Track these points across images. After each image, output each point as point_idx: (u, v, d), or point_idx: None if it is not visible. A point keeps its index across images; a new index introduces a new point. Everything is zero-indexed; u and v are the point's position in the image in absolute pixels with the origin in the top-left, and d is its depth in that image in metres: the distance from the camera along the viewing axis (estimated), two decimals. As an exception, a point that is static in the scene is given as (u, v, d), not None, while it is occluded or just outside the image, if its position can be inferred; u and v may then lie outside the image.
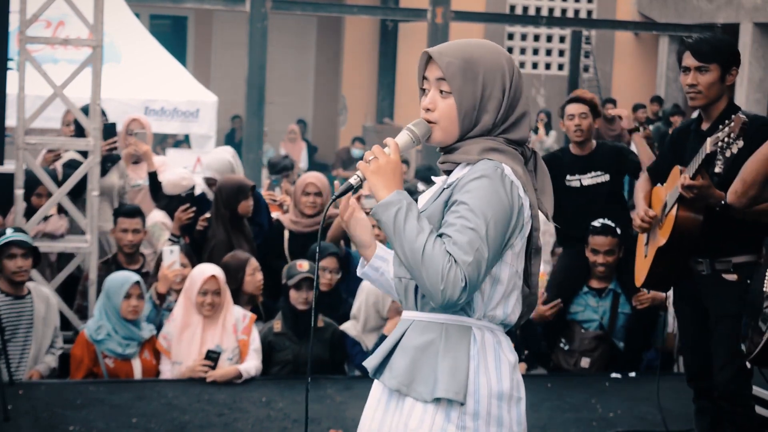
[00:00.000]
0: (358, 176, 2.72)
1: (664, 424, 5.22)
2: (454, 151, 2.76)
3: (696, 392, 4.72)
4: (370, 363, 2.81)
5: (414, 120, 2.80)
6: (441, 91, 2.74)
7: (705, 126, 4.55)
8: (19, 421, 5.17)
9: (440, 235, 2.60)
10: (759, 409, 4.85)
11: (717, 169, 4.42)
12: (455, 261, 2.54)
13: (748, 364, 4.26)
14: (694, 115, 4.85)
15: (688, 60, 4.53)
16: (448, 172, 2.78)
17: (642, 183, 4.93)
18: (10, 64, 6.57)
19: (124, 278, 5.90)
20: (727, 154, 4.25)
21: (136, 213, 6.52)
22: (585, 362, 6.34)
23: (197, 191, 7.28)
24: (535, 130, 16.74)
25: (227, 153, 7.42)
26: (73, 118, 7.05)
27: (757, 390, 4.88)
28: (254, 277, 6.23)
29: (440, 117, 2.74)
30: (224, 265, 6.19)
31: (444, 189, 2.75)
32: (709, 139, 4.29)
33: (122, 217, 6.46)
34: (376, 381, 2.84)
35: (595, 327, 6.36)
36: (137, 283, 5.88)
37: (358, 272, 2.97)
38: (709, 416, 4.65)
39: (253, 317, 6.06)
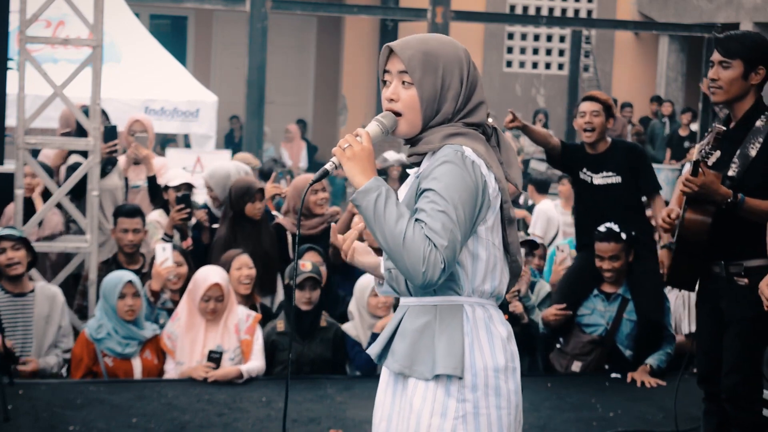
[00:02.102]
0: (333, 162, 2.84)
1: (675, 424, 5.21)
2: (418, 143, 2.89)
3: (706, 394, 4.70)
4: (373, 350, 2.95)
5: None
6: (403, 83, 2.87)
7: (732, 125, 4.50)
8: (19, 421, 5.16)
9: (415, 221, 2.72)
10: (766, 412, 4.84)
11: (731, 173, 4.39)
12: (434, 245, 2.67)
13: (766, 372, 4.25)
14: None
15: (714, 54, 4.50)
16: (418, 164, 2.92)
17: (679, 181, 4.92)
18: (10, 64, 6.58)
19: (117, 278, 5.89)
20: (709, 162, 4.27)
21: (136, 213, 6.51)
22: (576, 366, 6.31)
23: (197, 196, 7.27)
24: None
25: (231, 166, 7.25)
26: (73, 121, 7.05)
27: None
28: (240, 272, 6.20)
29: (403, 107, 2.87)
30: (221, 262, 6.22)
31: (415, 179, 2.89)
32: (696, 146, 4.30)
33: (122, 217, 6.46)
34: (384, 368, 2.97)
35: (601, 332, 6.31)
36: (130, 282, 5.85)
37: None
38: (717, 418, 4.64)
39: (257, 317, 6.05)
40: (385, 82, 2.91)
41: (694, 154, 4.30)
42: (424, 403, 2.80)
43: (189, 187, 7.14)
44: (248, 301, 6.27)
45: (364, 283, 6.12)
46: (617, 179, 6.28)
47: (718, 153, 4.31)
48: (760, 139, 4.37)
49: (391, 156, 10.71)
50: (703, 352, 4.71)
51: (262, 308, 6.36)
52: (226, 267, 6.16)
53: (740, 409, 4.44)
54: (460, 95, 2.86)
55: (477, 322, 2.84)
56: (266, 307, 6.52)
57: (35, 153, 7.45)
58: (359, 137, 2.83)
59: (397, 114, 2.87)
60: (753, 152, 4.36)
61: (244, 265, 6.20)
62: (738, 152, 4.40)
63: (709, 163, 4.35)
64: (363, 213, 2.74)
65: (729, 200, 4.30)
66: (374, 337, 6.04)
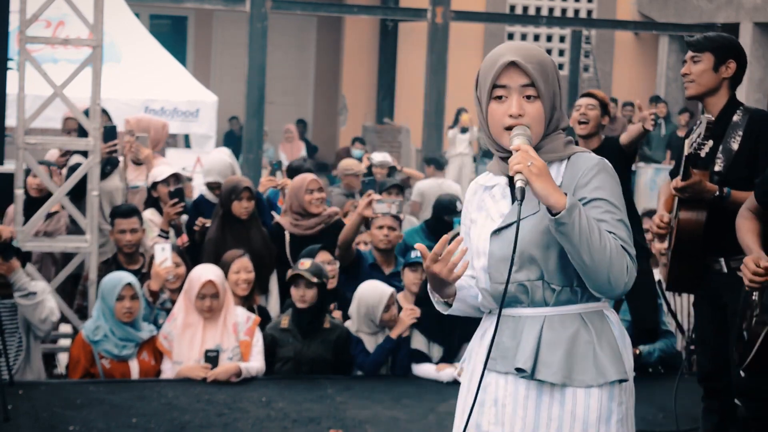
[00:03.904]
0: (523, 180, 2.72)
1: (676, 423, 5.21)
2: (536, 152, 2.81)
3: (706, 391, 4.70)
4: (526, 365, 2.82)
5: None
6: (528, 97, 2.83)
7: None
8: (19, 421, 5.16)
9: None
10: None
11: (717, 168, 4.45)
12: (629, 255, 2.75)
13: (742, 373, 4.25)
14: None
15: (687, 54, 4.60)
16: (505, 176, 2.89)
17: (663, 187, 4.93)
18: (10, 64, 6.57)
19: (116, 279, 5.88)
20: (702, 154, 4.29)
21: (133, 212, 6.50)
22: None
23: (195, 193, 7.27)
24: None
25: (225, 154, 7.39)
26: (75, 125, 7.06)
27: None
28: (239, 275, 6.19)
29: (531, 121, 2.84)
30: (221, 262, 6.22)
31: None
32: (687, 141, 4.32)
33: (119, 218, 6.45)
34: (509, 380, 2.86)
35: None
36: (129, 284, 5.85)
37: (445, 312, 3.02)
38: (717, 416, 4.64)
39: (257, 320, 6.05)
40: (491, 95, 2.85)
41: (686, 148, 4.32)
42: (589, 410, 2.82)
43: (177, 178, 7.13)
44: (246, 302, 6.27)
45: (373, 300, 6.04)
46: None
47: (710, 142, 4.35)
48: (740, 132, 4.44)
49: (377, 157, 10.71)
50: (704, 350, 4.71)
51: (259, 310, 6.35)
52: (225, 268, 6.16)
53: (756, 400, 4.43)
54: (562, 100, 2.91)
55: (618, 325, 2.90)
56: (263, 308, 6.50)
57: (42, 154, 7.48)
58: (528, 152, 2.75)
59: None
60: (735, 146, 4.44)
61: (242, 268, 6.19)
62: (721, 147, 4.47)
63: (702, 154, 4.39)
64: (566, 231, 2.68)
65: (716, 194, 4.35)
66: (389, 340, 6.04)
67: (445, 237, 2.84)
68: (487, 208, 2.93)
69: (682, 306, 6.68)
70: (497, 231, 2.87)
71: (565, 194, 2.70)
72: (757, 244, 3.97)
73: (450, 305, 2.98)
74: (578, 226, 2.67)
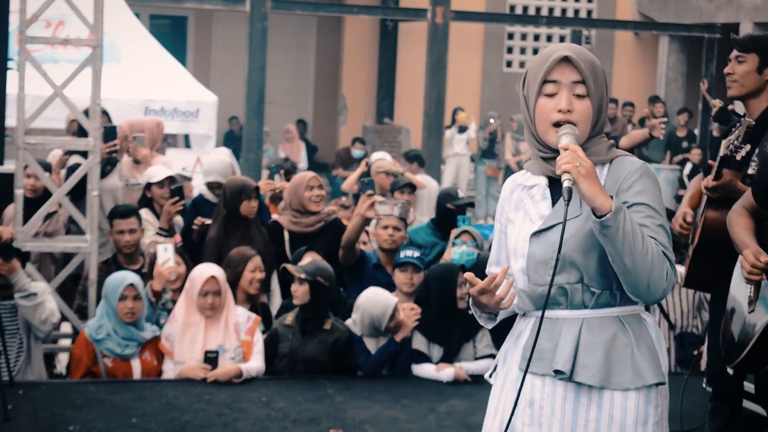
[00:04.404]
0: (570, 179, 2.71)
1: (680, 424, 5.20)
2: None
3: (715, 393, 4.69)
4: (565, 367, 2.83)
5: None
6: (578, 95, 2.84)
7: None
8: (19, 421, 5.16)
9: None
10: (749, 405, 4.85)
11: (750, 171, 4.40)
12: (669, 261, 2.76)
13: (730, 370, 4.24)
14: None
15: (732, 52, 4.53)
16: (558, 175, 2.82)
17: (694, 182, 4.91)
18: (10, 64, 6.57)
19: (119, 279, 5.88)
20: (738, 157, 4.25)
21: (131, 213, 6.50)
22: None
23: (195, 193, 7.27)
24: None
25: (225, 154, 7.40)
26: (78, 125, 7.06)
27: (748, 386, 4.86)
28: (254, 275, 6.22)
29: (580, 118, 2.84)
30: (228, 259, 6.22)
31: None
32: (723, 142, 4.28)
33: (117, 219, 6.45)
34: (546, 382, 2.86)
35: None
36: (132, 284, 5.85)
37: (489, 326, 3.03)
38: (724, 419, 4.63)
39: (257, 319, 6.05)
40: (541, 91, 2.85)
41: (722, 148, 4.28)
42: (626, 413, 2.83)
43: (172, 180, 7.14)
44: (251, 300, 6.28)
45: (377, 311, 6.01)
46: None
47: (747, 147, 4.29)
48: None
49: (377, 156, 10.58)
50: (718, 351, 4.68)
51: (262, 308, 6.37)
52: (240, 267, 6.17)
53: None
54: (607, 105, 2.92)
55: (655, 328, 2.90)
56: (266, 306, 6.52)
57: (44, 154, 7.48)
58: (576, 152, 2.74)
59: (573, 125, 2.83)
60: (743, 152, 4.38)
61: (257, 267, 6.23)
62: (757, 150, 4.41)
63: (738, 157, 4.33)
64: (611, 234, 2.68)
65: None
66: (392, 342, 6.02)
67: (493, 276, 2.83)
68: (526, 209, 2.92)
69: (674, 304, 6.68)
70: (537, 233, 2.86)
71: (612, 197, 2.70)
72: (753, 241, 3.97)
73: (494, 319, 3.00)
74: (622, 230, 2.68)
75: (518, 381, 2.86)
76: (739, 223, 4.09)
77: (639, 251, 2.69)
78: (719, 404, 4.66)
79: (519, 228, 2.92)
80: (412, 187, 8.07)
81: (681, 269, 6.65)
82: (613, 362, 2.82)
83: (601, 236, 2.70)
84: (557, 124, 2.82)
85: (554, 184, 2.88)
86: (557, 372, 2.84)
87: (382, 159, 10.00)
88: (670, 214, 6.88)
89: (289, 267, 6.01)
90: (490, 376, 3.05)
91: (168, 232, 6.85)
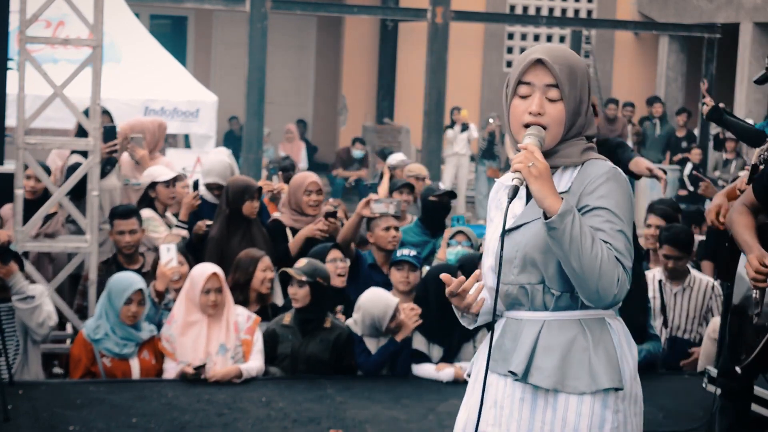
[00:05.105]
0: (520, 179, 2.74)
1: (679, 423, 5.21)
2: (552, 155, 2.85)
3: (723, 391, 4.68)
4: (518, 368, 2.84)
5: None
6: (549, 98, 2.83)
7: None
8: (19, 421, 5.16)
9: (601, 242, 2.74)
10: (758, 408, 4.84)
11: None
12: (623, 267, 2.73)
13: (738, 369, 4.23)
14: None
15: None
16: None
17: (736, 185, 4.91)
18: (10, 64, 6.57)
19: (128, 283, 5.87)
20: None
21: (131, 213, 6.50)
22: None
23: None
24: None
25: (224, 155, 7.40)
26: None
27: (758, 390, 4.86)
28: (265, 274, 6.23)
29: (550, 121, 2.83)
30: (237, 261, 6.23)
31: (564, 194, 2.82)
32: (757, 150, 4.27)
33: (117, 219, 6.45)
34: (507, 383, 2.88)
35: None
36: (140, 290, 5.86)
37: (470, 326, 3.03)
38: (730, 418, 4.63)
39: (257, 319, 6.05)
40: (515, 92, 2.86)
41: (754, 157, 4.27)
42: (580, 417, 2.81)
43: (176, 179, 7.19)
44: (262, 300, 6.28)
45: (378, 311, 6.01)
46: None
47: None
48: None
49: (397, 158, 10.47)
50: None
51: (272, 308, 6.36)
52: (251, 267, 6.18)
53: None
54: (588, 108, 2.89)
55: (620, 334, 2.87)
56: (276, 306, 6.50)
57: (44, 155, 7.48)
58: (533, 153, 2.74)
59: (542, 128, 2.83)
60: None
61: (268, 267, 6.25)
62: (760, 162, 4.41)
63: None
64: (557, 236, 2.69)
65: None
66: (393, 342, 6.02)
67: (462, 279, 2.86)
68: (503, 208, 2.92)
69: (681, 306, 6.68)
70: (507, 231, 2.86)
71: (562, 199, 2.70)
72: (756, 241, 3.97)
73: (476, 320, 3.00)
74: (569, 233, 2.67)
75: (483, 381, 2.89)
76: (740, 222, 4.08)
77: (587, 255, 2.67)
78: (727, 403, 4.65)
79: (495, 227, 2.95)
80: (410, 188, 8.09)
81: (658, 271, 6.67)
82: (570, 366, 2.80)
83: (549, 238, 2.71)
84: (528, 126, 2.84)
85: None
86: (511, 373, 2.85)
87: (402, 161, 9.90)
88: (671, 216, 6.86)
89: (290, 270, 6.00)
90: (468, 375, 3.06)
91: (187, 224, 6.86)
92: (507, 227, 2.83)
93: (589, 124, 2.90)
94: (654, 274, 6.70)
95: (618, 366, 2.81)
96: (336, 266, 6.35)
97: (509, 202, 2.75)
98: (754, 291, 3.98)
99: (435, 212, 7.25)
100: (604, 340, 2.82)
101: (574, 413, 2.80)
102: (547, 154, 2.84)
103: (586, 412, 2.80)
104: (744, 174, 4.89)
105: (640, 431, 2.92)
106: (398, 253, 6.35)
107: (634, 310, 6.28)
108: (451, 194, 7.52)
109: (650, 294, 6.55)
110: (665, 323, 6.60)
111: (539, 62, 2.82)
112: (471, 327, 3.04)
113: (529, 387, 2.85)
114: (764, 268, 3.83)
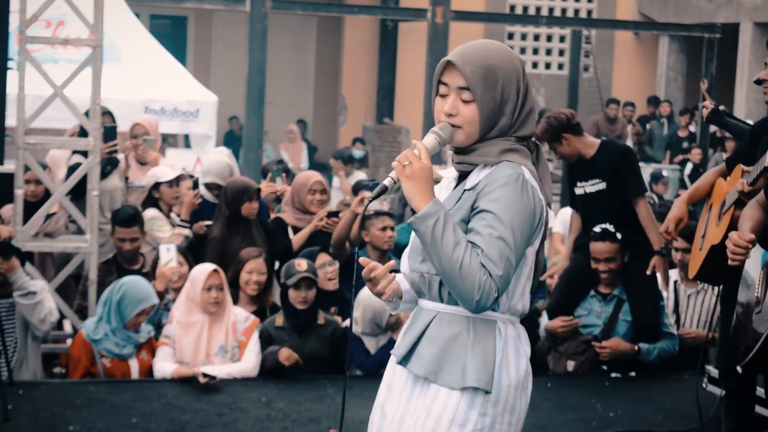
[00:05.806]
0: (392, 178, 2.79)
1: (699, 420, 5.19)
2: (471, 152, 2.87)
3: (726, 392, 4.68)
4: (398, 351, 2.94)
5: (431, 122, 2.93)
6: (463, 99, 2.83)
7: None
8: (19, 421, 5.17)
9: (472, 245, 2.72)
10: (759, 409, 4.84)
11: None
12: (490, 274, 2.69)
13: (739, 369, 4.23)
14: None
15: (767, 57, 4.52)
16: (463, 172, 2.91)
17: (707, 176, 4.90)
18: (10, 64, 6.57)
19: (144, 295, 5.82)
20: None
21: (133, 221, 6.49)
22: (570, 365, 6.32)
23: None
24: None
25: (223, 155, 7.40)
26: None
27: (758, 390, 4.86)
28: (250, 276, 6.20)
29: (463, 122, 2.84)
30: (238, 259, 6.25)
31: (466, 191, 2.86)
32: None
33: (119, 227, 6.45)
34: (398, 368, 2.97)
35: (598, 332, 6.30)
36: (154, 305, 5.87)
37: (391, 310, 3.09)
38: (734, 418, 4.63)
39: (255, 321, 6.04)
40: (442, 95, 2.87)
41: (766, 159, 4.25)
42: (444, 411, 2.83)
43: (180, 179, 7.20)
44: (258, 301, 6.27)
45: (378, 305, 5.96)
46: (602, 186, 6.24)
47: None
48: None
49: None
50: (729, 350, 4.67)
51: (271, 310, 6.36)
52: (239, 266, 6.17)
53: None
54: (516, 108, 2.85)
55: (508, 340, 2.86)
56: (277, 306, 6.50)
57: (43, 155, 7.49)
58: (417, 151, 2.78)
59: (455, 127, 2.85)
60: None
61: (256, 269, 6.21)
62: None
63: None
64: (420, 237, 2.74)
65: None
66: (392, 342, 6.02)
67: (373, 266, 2.94)
68: (441, 197, 2.98)
69: (693, 308, 6.68)
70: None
71: (433, 201, 2.73)
72: (749, 227, 3.98)
73: (397, 306, 3.05)
74: (430, 234, 2.70)
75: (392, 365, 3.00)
76: (746, 213, 4.09)
77: (447, 258, 2.68)
78: (730, 404, 4.65)
79: None
80: None
81: (674, 273, 6.67)
82: (447, 359, 2.83)
83: (417, 237, 2.78)
84: None
85: (463, 177, 2.92)
86: (395, 356, 2.95)
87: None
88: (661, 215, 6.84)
89: (309, 275, 5.97)
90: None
91: (189, 223, 6.87)
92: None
93: (523, 124, 2.87)
94: (670, 275, 6.69)
95: (492, 370, 2.80)
96: (325, 272, 6.36)
97: (371, 200, 2.83)
98: (756, 290, 3.98)
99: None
100: (486, 341, 2.82)
101: (440, 406, 2.83)
102: (466, 151, 2.87)
103: (451, 407, 2.82)
104: (712, 171, 4.87)
105: None
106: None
107: (646, 308, 6.28)
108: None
109: (664, 294, 6.55)
110: (677, 324, 6.60)
111: (451, 64, 2.84)
112: (393, 312, 3.09)
113: (412, 375, 2.91)
114: (742, 242, 3.83)
